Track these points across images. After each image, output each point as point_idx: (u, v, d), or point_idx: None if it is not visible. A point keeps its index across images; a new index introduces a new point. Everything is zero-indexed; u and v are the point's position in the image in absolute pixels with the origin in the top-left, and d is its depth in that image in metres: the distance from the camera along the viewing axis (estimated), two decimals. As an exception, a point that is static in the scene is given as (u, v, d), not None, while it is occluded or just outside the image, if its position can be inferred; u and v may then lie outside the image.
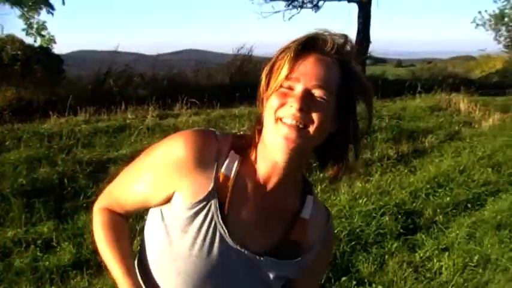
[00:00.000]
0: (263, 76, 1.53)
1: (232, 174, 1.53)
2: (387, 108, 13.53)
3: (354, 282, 5.83)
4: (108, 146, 9.68)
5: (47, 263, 5.88)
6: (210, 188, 1.51)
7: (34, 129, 10.07)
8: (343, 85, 1.47)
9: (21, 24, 17.94)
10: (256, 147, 1.56)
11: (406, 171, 9.48)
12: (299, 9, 23.92)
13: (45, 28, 17.96)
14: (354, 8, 23.63)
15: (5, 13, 17.53)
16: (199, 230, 1.49)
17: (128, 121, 10.99)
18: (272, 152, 1.49)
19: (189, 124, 11.02)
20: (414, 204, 7.68)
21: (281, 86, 1.46)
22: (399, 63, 52.03)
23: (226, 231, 1.49)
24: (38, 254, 6.09)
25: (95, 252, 5.93)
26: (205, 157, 1.53)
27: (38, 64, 22.95)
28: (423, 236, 6.68)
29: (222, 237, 1.49)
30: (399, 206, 7.45)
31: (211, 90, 13.75)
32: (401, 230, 6.80)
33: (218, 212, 1.49)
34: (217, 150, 1.54)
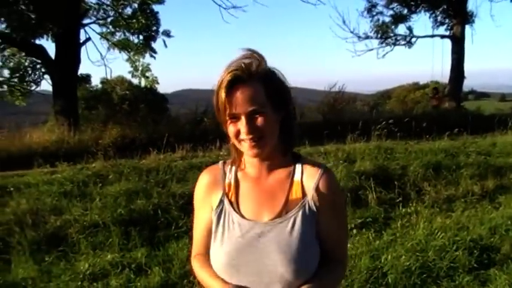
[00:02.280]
0: (215, 109, 2.02)
1: (232, 180, 2.17)
2: (476, 145, 13.41)
3: (423, 314, 6.01)
4: (200, 181, 10.28)
5: (139, 284, 6.47)
6: (220, 195, 2.15)
7: (134, 165, 10.93)
8: (268, 90, 1.95)
9: (127, 67, 19.20)
10: (240, 155, 2.16)
11: (489, 207, 9.42)
12: (392, 46, 24.10)
13: (149, 70, 19.16)
14: (447, 44, 23.53)
15: (114, 57, 18.81)
16: (224, 221, 2.09)
17: (220, 158, 11.62)
18: (249, 157, 2.08)
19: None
20: (491, 240, 7.66)
21: (230, 117, 1.97)
22: (503, 97, 50.25)
23: (238, 215, 2.07)
24: (132, 276, 6.72)
25: (182, 277, 6.50)
26: (214, 179, 2.21)
27: (144, 103, 24.42)
28: (496, 271, 6.70)
29: (238, 221, 2.06)
30: (475, 241, 7.48)
31: (302, 128, 14.17)
32: (475, 265, 6.84)
33: (230, 206, 2.11)
34: (222, 171, 2.21)
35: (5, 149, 13.11)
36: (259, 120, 1.92)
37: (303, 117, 17.31)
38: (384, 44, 24.05)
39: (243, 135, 1.96)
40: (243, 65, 1.91)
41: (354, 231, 8.58)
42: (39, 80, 18.37)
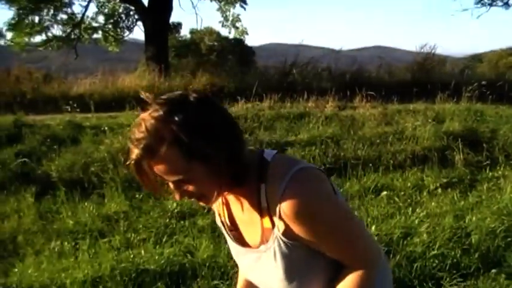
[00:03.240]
0: None
1: (223, 200, 1.94)
2: None
3: (504, 276, 5.90)
4: (288, 131, 10.40)
5: (224, 224, 6.64)
6: (218, 213, 2.00)
7: (223, 111, 11.12)
8: (188, 151, 1.56)
9: (218, 17, 19.33)
10: None
11: None
12: (488, 7, 23.02)
13: (239, 20, 19.21)
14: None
15: (205, 7, 18.98)
16: (229, 243, 2.00)
17: (307, 109, 11.65)
18: None
19: (366, 116, 11.40)
20: None
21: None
22: None
23: (231, 240, 1.95)
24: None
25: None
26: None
27: (231, 54, 24.67)
28: None
29: (233, 245, 1.96)
30: None
31: (391, 85, 13.97)
32: None
33: (224, 229, 1.99)
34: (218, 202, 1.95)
35: (99, 92, 13.61)
36: (187, 187, 1.64)
37: (391, 75, 17.00)
38: (479, 5, 22.97)
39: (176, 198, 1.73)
40: (146, 139, 1.55)
41: (439, 190, 8.48)
42: (132, 26, 18.85)
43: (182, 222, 7.16)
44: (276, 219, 1.67)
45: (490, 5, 22.80)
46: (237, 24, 19.33)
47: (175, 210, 7.44)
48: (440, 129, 10.69)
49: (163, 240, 6.57)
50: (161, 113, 1.55)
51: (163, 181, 1.65)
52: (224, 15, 19.28)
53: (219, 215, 1.95)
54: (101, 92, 13.67)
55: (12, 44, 16.84)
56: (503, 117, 12.14)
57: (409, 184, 8.66)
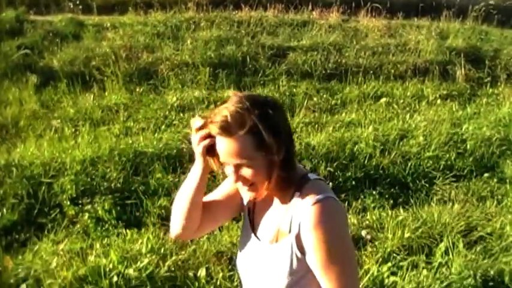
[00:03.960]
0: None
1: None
2: None
3: (495, 180, 6.08)
4: (291, 37, 10.35)
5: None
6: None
7: (226, 16, 11.04)
8: (258, 142, 1.73)
9: None
10: None
11: None
12: None
13: None
14: None
15: None
16: (244, 224, 2.11)
17: (312, 17, 11.54)
18: None
19: (369, 28, 11.32)
20: None
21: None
22: None
23: (250, 223, 2.05)
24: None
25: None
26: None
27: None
28: None
29: (248, 228, 2.04)
30: None
31: (396, 1, 13.73)
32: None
33: (247, 214, 2.08)
34: None
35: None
36: (246, 172, 1.78)
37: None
38: None
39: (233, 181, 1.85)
40: (229, 118, 1.72)
41: (438, 101, 8.55)
42: None
43: (182, 114, 7.25)
44: (294, 225, 1.81)
45: None
46: None
47: (175, 104, 7.52)
48: (443, 44, 10.65)
49: (162, 129, 6.68)
50: (247, 104, 1.72)
51: (226, 162, 1.79)
52: None
53: (249, 201, 2.03)
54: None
55: None
56: (508, 38, 12.07)
57: (408, 93, 8.73)
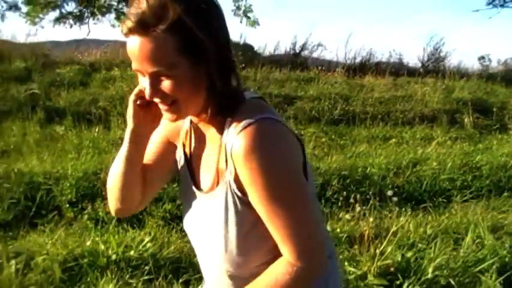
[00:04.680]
0: None
1: (188, 128, 1.62)
2: None
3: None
4: (298, 88, 10.37)
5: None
6: (181, 144, 1.65)
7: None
8: (184, 43, 1.31)
9: (230, 5, 19.42)
10: None
11: None
12: (500, 8, 22.79)
13: (251, 11, 19.21)
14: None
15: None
16: (182, 177, 1.62)
17: (318, 75, 11.65)
18: None
19: (375, 84, 11.39)
20: None
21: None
22: None
23: (189, 175, 1.59)
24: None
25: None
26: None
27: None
28: None
29: (188, 180, 1.59)
30: None
31: (400, 66, 13.96)
32: None
33: (184, 159, 1.63)
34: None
35: (109, 60, 13.58)
36: (166, 84, 1.34)
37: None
38: (491, 6, 22.84)
39: (147, 97, 1.39)
40: (146, 8, 1.29)
41: (448, 142, 8.34)
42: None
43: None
44: (229, 158, 1.38)
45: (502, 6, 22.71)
46: (249, 14, 19.34)
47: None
48: (449, 96, 10.68)
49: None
50: None
51: (139, 71, 1.37)
52: (236, 4, 19.34)
53: (183, 145, 1.63)
54: (111, 61, 13.64)
55: (27, 17, 16.94)
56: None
57: (417, 136, 8.60)
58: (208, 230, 1.51)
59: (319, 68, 12.40)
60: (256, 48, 16.73)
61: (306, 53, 15.51)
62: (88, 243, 3.93)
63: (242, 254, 1.47)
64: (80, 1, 17.49)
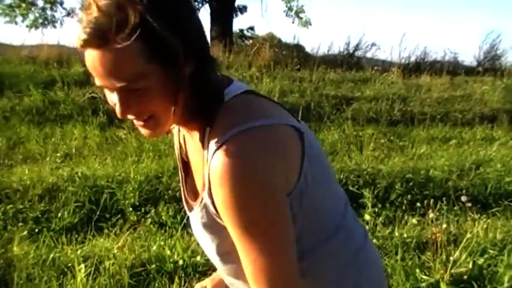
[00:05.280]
0: None
1: (182, 138, 1.50)
2: None
3: None
4: (354, 89, 10.33)
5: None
6: (178, 151, 1.53)
7: (287, 73, 11.14)
8: (154, 47, 1.11)
9: (282, 6, 19.40)
10: None
11: None
12: None
13: (303, 11, 19.14)
14: None
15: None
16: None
17: (373, 75, 11.54)
18: None
19: (432, 83, 11.18)
20: None
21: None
22: None
23: (182, 189, 1.47)
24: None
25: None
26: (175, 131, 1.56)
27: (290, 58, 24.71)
28: None
29: (183, 192, 1.47)
30: None
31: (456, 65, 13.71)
32: None
33: (182, 172, 1.50)
34: None
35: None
36: (139, 97, 1.15)
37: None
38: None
39: (118, 115, 1.21)
40: (100, 16, 1.08)
41: (510, 142, 8.11)
42: (199, 7, 19.02)
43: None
44: (206, 177, 1.22)
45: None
46: (301, 15, 19.28)
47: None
48: (509, 94, 10.39)
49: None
50: None
51: (104, 87, 1.18)
52: (288, 5, 19.30)
53: (180, 147, 1.49)
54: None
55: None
56: None
57: (478, 136, 8.41)
58: (203, 240, 1.39)
59: (374, 68, 12.28)
60: (309, 49, 16.74)
61: (359, 53, 15.42)
62: (154, 248, 3.98)
63: (234, 263, 1.31)
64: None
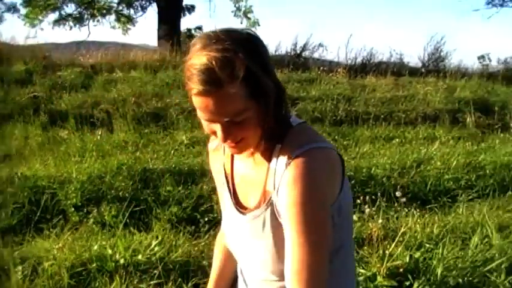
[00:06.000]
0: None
1: (229, 152, 1.69)
2: None
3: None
4: (299, 89, 10.36)
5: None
6: (223, 171, 1.73)
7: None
8: (251, 89, 1.38)
9: (231, 6, 19.40)
10: None
11: None
12: (499, 7, 22.85)
13: (251, 12, 19.19)
14: None
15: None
16: (223, 197, 1.75)
17: (319, 75, 11.63)
18: None
19: (376, 84, 11.37)
20: None
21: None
22: None
23: (229, 194, 1.69)
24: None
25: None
26: (215, 147, 1.75)
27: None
28: None
29: (229, 200, 1.69)
30: None
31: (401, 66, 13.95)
32: None
33: (225, 180, 1.71)
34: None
35: (110, 62, 13.56)
36: (239, 126, 1.42)
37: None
38: (490, 5, 22.86)
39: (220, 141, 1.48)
40: (215, 73, 1.32)
41: (451, 142, 8.32)
42: (146, 6, 18.84)
43: (192, 148, 7.10)
44: (277, 182, 1.48)
45: (501, 5, 22.73)
46: (249, 15, 19.32)
47: (185, 141, 7.38)
48: (451, 96, 10.70)
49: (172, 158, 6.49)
50: (230, 44, 1.35)
51: (211, 121, 1.42)
52: (237, 5, 19.33)
53: (224, 168, 1.72)
54: (111, 63, 13.63)
55: (26, 19, 16.93)
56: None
57: (420, 135, 8.60)
58: (251, 243, 1.62)
59: (321, 68, 12.41)
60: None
61: (306, 53, 15.57)
62: (95, 247, 3.91)
63: (280, 262, 1.53)
64: (79, 3, 17.55)
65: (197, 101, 1.38)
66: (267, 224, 1.53)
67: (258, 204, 1.57)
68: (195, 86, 1.33)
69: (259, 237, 1.57)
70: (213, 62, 1.31)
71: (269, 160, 1.53)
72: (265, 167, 1.54)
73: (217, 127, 1.42)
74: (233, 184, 1.69)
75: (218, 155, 1.74)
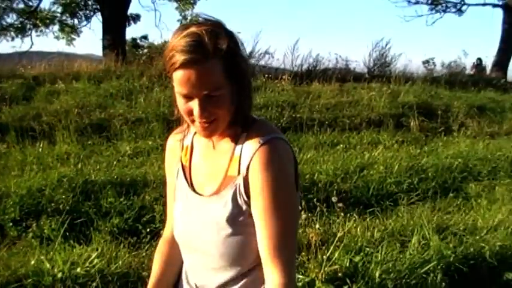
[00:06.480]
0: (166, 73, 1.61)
1: (189, 144, 1.82)
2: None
3: (461, 199, 6.05)
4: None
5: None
6: (179, 160, 1.84)
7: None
8: (228, 68, 1.53)
9: (176, 15, 19.38)
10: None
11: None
12: (442, 13, 23.48)
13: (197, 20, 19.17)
14: (499, 13, 22.74)
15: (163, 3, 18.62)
16: (180, 187, 1.82)
17: (264, 83, 11.65)
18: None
19: (321, 90, 11.49)
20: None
21: (181, 95, 1.56)
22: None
23: (187, 183, 1.79)
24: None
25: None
26: (173, 143, 1.87)
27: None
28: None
29: (187, 188, 1.78)
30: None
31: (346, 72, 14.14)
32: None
33: (181, 171, 1.82)
34: (183, 135, 1.83)
35: (53, 73, 13.30)
36: (215, 102, 1.54)
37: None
38: (433, 11, 23.42)
39: (196, 118, 1.57)
40: (203, 42, 1.47)
41: (395, 146, 8.50)
42: (90, 15, 18.60)
43: (135, 159, 7.04)
44: (243, 168, 1.63)
45: (444, 11, 23.32)
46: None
47: (129, 152, 7.31)
48: (395, 100, 10.89)
49: (115, 169, 6.40)
50: (215, 27, 1.51)
51: (191, 95, 1.53)
52: (183, 14, 19.30)
53: (181, 161, 1.83)
54: (55, 74, 13.38)
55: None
56: (457, 95, 12.57)
57: (364, 141, 8.72)
58: (208, 226, 1.69)
59: (266, 76, 12.44)
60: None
61: (252, 61, 15.59)
62: (32, 262, 3.82)
63: (236, 248, 1.67)
64: (20, 13, 17.18)
65: (179, 75, 1.49)
66: (228, 205, 1.64)
67: (217, 190, 1.68)
68: (180, 57, 1.46)
69: (217, 217, 1.66)
70: (203, 32, 1.46)
71: (233, 147, 1.67)
72: (228, 155, 1.68)
73: (195, 103, 1.54)
74: (190, 175, 1.79)
75: (176, 150, 1.86)
